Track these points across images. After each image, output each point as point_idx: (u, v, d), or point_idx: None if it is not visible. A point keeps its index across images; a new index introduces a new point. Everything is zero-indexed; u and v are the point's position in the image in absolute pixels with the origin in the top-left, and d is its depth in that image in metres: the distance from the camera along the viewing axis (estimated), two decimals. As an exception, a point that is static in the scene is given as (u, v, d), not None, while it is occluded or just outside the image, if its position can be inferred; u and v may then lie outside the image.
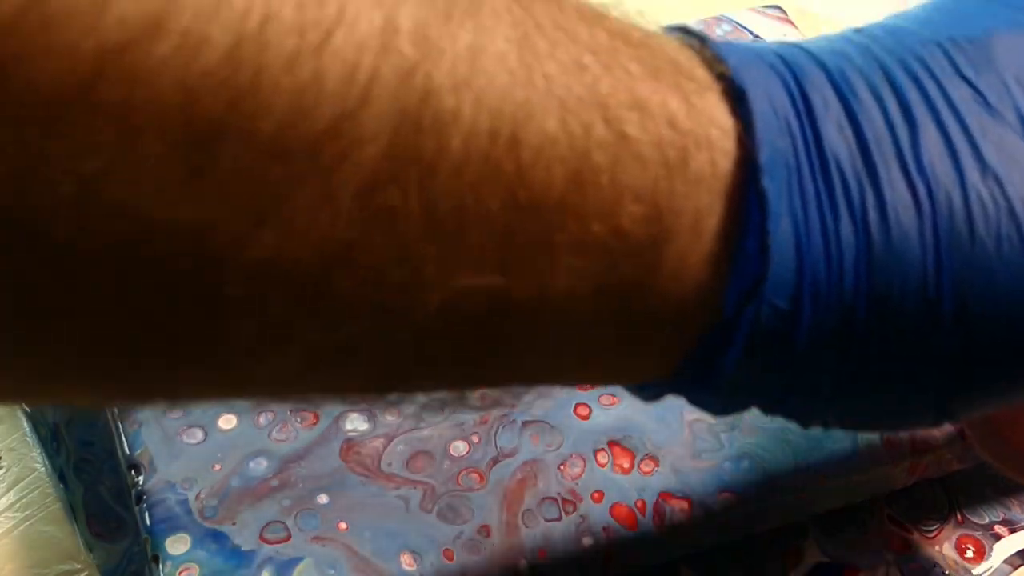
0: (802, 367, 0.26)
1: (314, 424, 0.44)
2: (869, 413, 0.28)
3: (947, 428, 0.45)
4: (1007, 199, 0.25)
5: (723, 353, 0.25)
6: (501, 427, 0.44)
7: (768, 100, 0.25)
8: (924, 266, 0.25)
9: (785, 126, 0.25)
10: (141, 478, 0.42)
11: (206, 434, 0.43)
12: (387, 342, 0.23)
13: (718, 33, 0.58)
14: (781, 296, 0.24)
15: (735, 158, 0.24)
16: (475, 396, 0.44)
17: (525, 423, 0.44)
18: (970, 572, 0.46)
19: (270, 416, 0.44)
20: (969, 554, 0.46)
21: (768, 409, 0.28)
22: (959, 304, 0.25)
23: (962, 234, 0.25)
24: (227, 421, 0.44)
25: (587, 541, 0.41)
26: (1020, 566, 0.46)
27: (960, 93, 0.26)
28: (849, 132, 0.25)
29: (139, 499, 0.42)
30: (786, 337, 0.25)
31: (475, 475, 0.43)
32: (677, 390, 0.28)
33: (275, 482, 0.42)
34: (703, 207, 0.24)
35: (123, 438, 0.43)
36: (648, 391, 0.30)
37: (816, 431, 0.44)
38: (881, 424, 0.29)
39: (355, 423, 0.44)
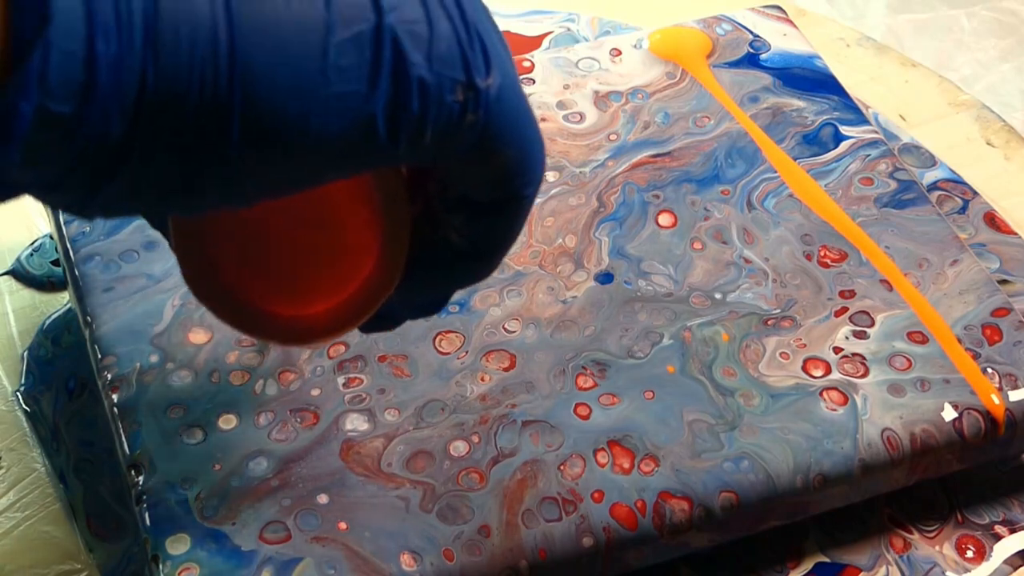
0: (92, 138, 0.25)
1: (314, 424, 0.44)
2: (155, 195, 0.27)
3: (947, 429, 0.45)
4: None
5: (18, 107, 0.24)
6: (501, 427, 0.44)
7: None
8: (213, 19, 0.26)
9: None
10: (141, 478, 0.42)
11: (206, 434, 0.43)
12: None
13: (718, 33, 0.58)
14: (73, 39, 0.24)
15: None
16: (474, 397, 0.44)
17: (525, 423, 0.44)
18: (970, 572, 0.46)
19: (270, 416, 0.44)
20: (969, 554, 0.46)
21: (47, 191, 0.27)
22: (246, 56, 0.26)
23: None
24: (227, 421, 0.44)
25: (587, 541, 0.41)
26: (1020, 566, 0.46)
27: None
28: None
29: (139, 499, 0.42)
30: (86, 86, 0.25)
31: (475, 475, 0.43)
32: None
33: (275, 482, 0.42)
34: None
35: (123, 438, 0.43)
36: None
37: (816, 432, 0.44)
38: (170, 207, 0.29)
39: (355, 423, 0.44)
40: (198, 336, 0.46)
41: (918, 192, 0.52)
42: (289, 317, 0.34)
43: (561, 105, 0.54)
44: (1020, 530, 0.47)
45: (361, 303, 0.34)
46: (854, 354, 0.46)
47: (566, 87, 0.55)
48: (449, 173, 0.31)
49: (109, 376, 0.45)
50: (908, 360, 0.46)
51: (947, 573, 0.45)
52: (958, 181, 0.59)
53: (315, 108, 0.27)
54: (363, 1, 0.27)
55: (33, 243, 0.55)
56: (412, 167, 0.34)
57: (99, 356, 0.45)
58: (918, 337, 0.47)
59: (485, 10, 0.29)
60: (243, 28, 0.26)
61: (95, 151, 0.26)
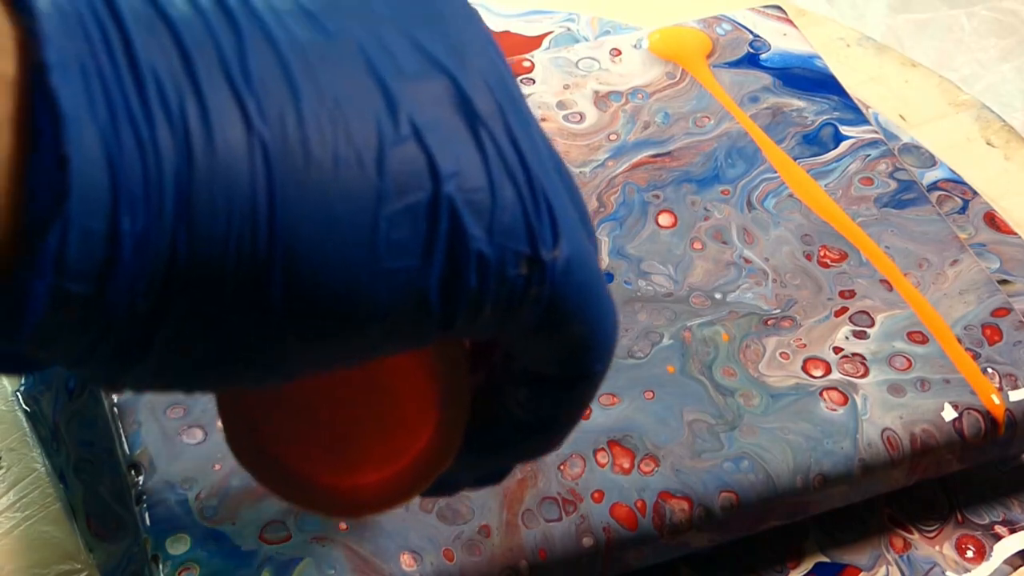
0: (116, 316, 0.23)
1: (314, 424, 0.44)
2: (189, 371, 0.25)
3: (947, 429, 0.45)
4: (346, 121, 0.24)
5: (31, 288, 0.22)
6: (501, 427, 0.44)
7: (54, 5, 0.22)
8: (253, 187, 0.23)
9: (79, 26, 0.22)
10: (141, 478, 0.42)
11: (206, 434, 0.43)
12: None
13: (718, 33, 0.58)
14: (94, 215, 0.22)
15: (18, 62, 0.22)
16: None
17: (525, 423, 0.44)
18: (970, 572, 0.46)
19: (270, 416, 0.44)
20: (969, 554, 0.46)
21: (74, 366, 0.25)
22: (289, 226, 0.23)
23: (296, 154, 0.23)
24: (227, 421, 0.44)
25: (587, 541, 0.41)
26: (1021, 566, 0.46)
27: (293, 14, 0.24)
28: (167, 38, 0.23)
29: (139, 499, 0.42)
30: (108, 263, 0.22)
31: (475, 475, 0.43)
32: None
33: (275, 482, 0.42)
34: None
35: (123, 438, 0.43)
36: None
37: (816, 432, 0.44)
38: (207, 384, 0.26)
39: (355, 423, 0.44)
40: (198, 336, 0.46)
41: (918, 192, 0.52)
42: (338, 488, 0.32)
43: (561, 105, 0.54)
44: (1020, 530, 0.47)
45: (415, 476, 0.31)
46: (854, 354, 0.46)
47: (566, 87, 0.55)
48: (513, 346, 0.28)
49: (109, 376, 0.45)
50: (908, 360, 0.46)
51: (947, 573, 0.45)
52: (958, 181, 0.59)
53: (363, 283, 0.24)
54: (420, 167, 0.24)
55: (33, 243, 0.55)
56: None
57: (99, 356, 0.45)
58: (918, 337, 0.47)
59: (557, 166, 0.27)
60: (286, 196, 0.23)
61: (118, 330, 0.23)
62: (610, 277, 0.48)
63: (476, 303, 0.25)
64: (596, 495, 0.42)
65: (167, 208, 0.23)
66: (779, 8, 0.59)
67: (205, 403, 0.44)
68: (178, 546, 0.41)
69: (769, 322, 0.47)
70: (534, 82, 0.55)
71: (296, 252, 0.24)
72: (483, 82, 0.26)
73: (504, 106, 0.26)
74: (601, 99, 0.55)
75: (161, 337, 0.24)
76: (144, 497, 0.42)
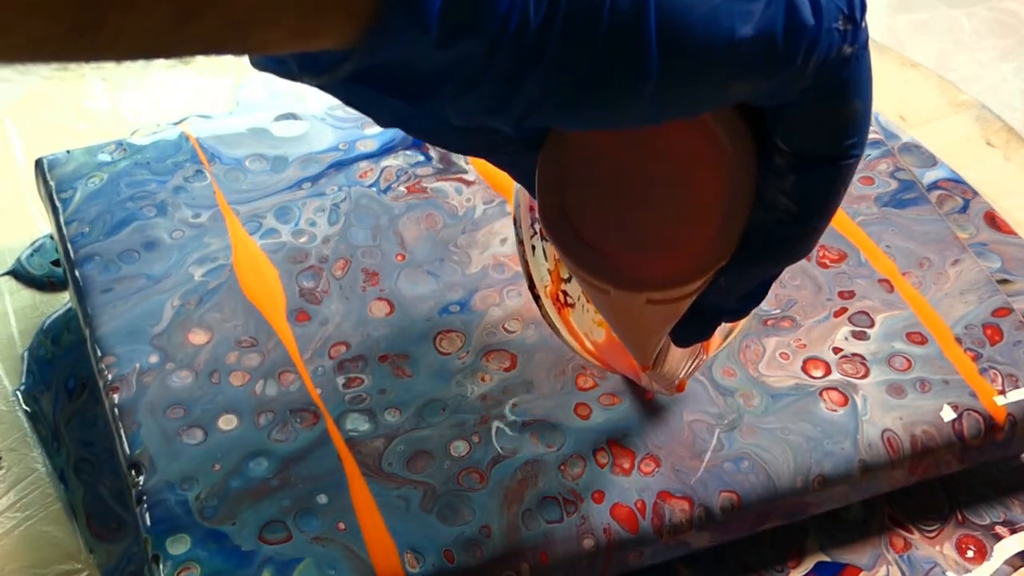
0: (508, 24, 0.27)
1: (314, 424, 0.44)
2: (568, 95, 0.29)
3: (947, 430, 0.45)
4: None
5: None
6: (501, 427, 0.44)
7: None
8: None
9: None
10: (141, 478, 0.42)
11: (206, 434, 0.43)
12: None
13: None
14: None
15: None
16: (475, 397, 0.44)
17: (525, 423, 0.44)
18: (971, 572, 0.46)
19: (270, 416, 0.44)
20: (970, 554, 0.46)
21: (466, 89, 0.29)
22: None
23: None
24: (227, 421, 0.44)
25: (587, 542, 0.41)
26: (1021, 567, 0.46)
27: None
28: None
29: (139, 499, 0.42)
30: None
31: (476, 475, 0.43)
32: (384, 35, 0.28)
33: (275, 482, 0.42)
34: None
35: (123, 438, 0.43)
36: (335, 58, 0.29)
37: (816, 432, 0.44)
38: (579, 109, 0.29)
39: (356, 423, 0.44)
40: (198, 336, 0.46)
41: (918, 192, 0.52)
42: (625, 262, 0.35)
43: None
44: (1021, 531, 0.47)
45: (697, 264, 0.35)
46: (854, 354, 0.46)
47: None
48: (795, 120, 0.32)
49: (109, 376, 0.45)
50: (908, 360, 0.46)
51: (947, 573, 0.45)
52: (958, 181, 0.59)
53: (722, 9, 0.28)
54: None
55: (33, 243, 0.55)
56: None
57: (99, 356, 0.45)
58: (917, 338, 0.47)
59: None
60: None
61: (512, 39, 0.27)
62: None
63: (811, 44, 0.29)
64: (596, 495, 0.42)
65: None
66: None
67: (205, 403, 0.44)
68: (178, 546, 0.41)
69: (769, 322, 0.47)
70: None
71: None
72: None
73: None
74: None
75: (548, 54, 0.27)
76: (144, 497, 0.42)
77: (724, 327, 0.41)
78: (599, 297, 0.36)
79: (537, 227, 0.41)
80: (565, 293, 0.42)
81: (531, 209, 0.41)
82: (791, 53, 0.29)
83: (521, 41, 0.27)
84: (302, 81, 0.30)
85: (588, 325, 0.42)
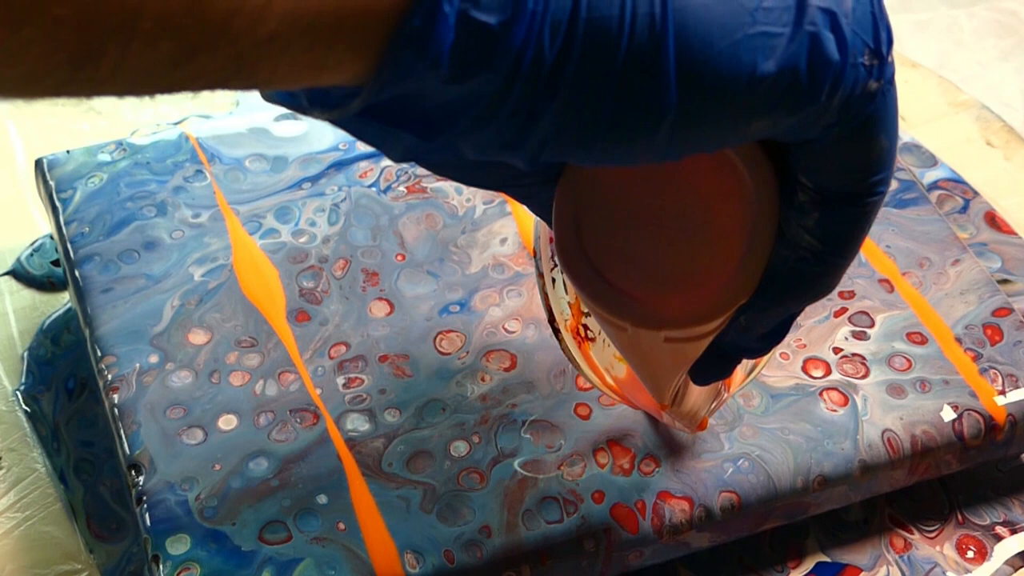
0: (523, 59, 0.26)
1: (314, 424, 0.44)
2: (584, 130, 0.28)
3: (947, 430, 0.45)
4: None
5: (440, 8, 0.25)
6: (501, 427, 0.44)
7: None
8: None
9: None
10: (141, 478, 0.42)
11: (206, 434, 0.43)
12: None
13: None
14: None
15: None
16: (475, 397, 0.44)
17: (525, 423, 0.44)
18: (971, 572, 0.46)
19: (270, 416, 0.44)
20: (970, 554, 0.46)
21: (480, 124, 0.28)
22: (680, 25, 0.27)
23: None
24: (227, 421, 0.44)
25: (587, 542, 0.41)
26: (1022, 567, 0.46)
27: None
28: None
29: (139, 499, 0.42)
30: (511, 2, 0.26)
31: (476, 475, 0.43)
32: (394, 71, 0.27)
33: (275, 482, 0.42)
34: None
35: (123, 438, 0.43)
36: (345, 93, 0.29)
37: (816, 432, 0.44)
38: (595, 145, 0.29)
39: (355, 423, 0.44)
40: (198, 337, 0.46)
41: (918, 192, 0.52)
42: (644, 300, 0.34)
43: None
44: (1021, 531, 0.47)
45: (716, 302, 0.34)
46: (854, 354, 0.46)
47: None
48: (819, 157, 0.31)
49: (109, 376, 0.45)
50: (908, 360, 0.46)
51: (948, 573, 0.45)
52: (959, 181, 0.59)
53: (743, 44, 0.27)
54: None
55: (33, 243, 0.55)
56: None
57: (99, 356, 0.45)
58: (917, 338, 0.47)
59: None
60: None
61: (526, 74, 0.26)
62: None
63: (836, 80, 0.28)
64: (596, 495, 0.42)
65: None
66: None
67: (205, 403, 0.44)
68: (178, 546, 0.41)
69: (769, 322, 0.47)
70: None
71: (685, 12, 0.27)
72: None
73: None
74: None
75: (563, 88, 0.27)
76: (144, 497, 0.42)
77: (747, 362, 0.41)
78: (616, 334, 0.36)
79: (557, 260, 0.41)
80: (585, 327, 0.41)
81: (551, 241, 0.41)
82: (815, 89, 0.28)
83: (536, 76, 0.27)
84: (312, 115, 0.29)
85: (609, 360, 0.42)
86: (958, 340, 0.47)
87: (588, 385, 0.45)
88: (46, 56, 0.23)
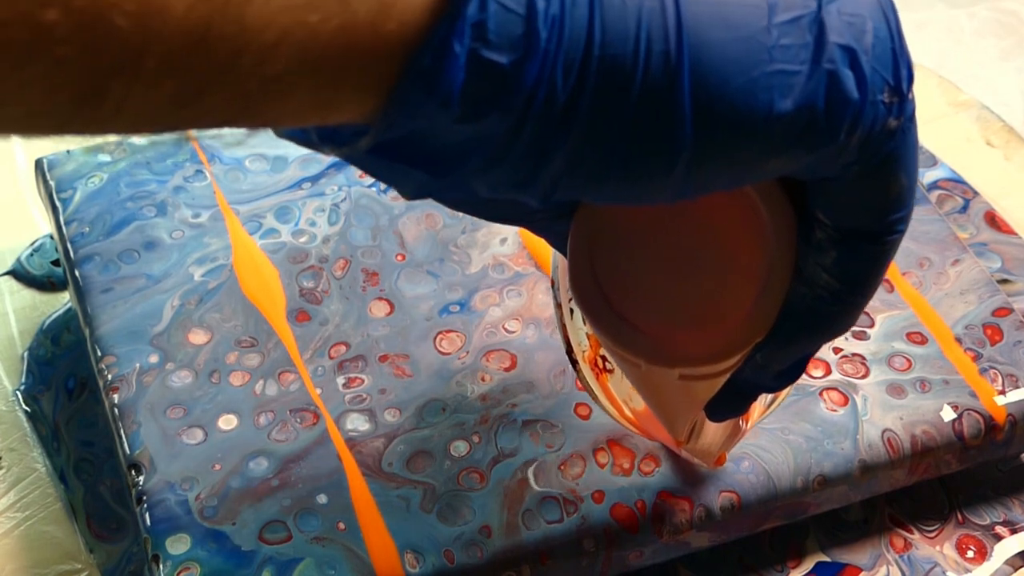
0: (535, 98, 0.26)
1: (314, 424, 0.44)
2: (597, 169, 0.27)
3: (947, 430, 0.45)
4: None
5: (450, 48, 0.25)
6: (501, 427, 0.44)
7: None
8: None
9: None
10: (141, 478, 0.42)
11: (206, 434, 0.43)
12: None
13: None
14: None
15: None
16: (475, 397, 0.44)
17: (525, 423, 0.44)
18: (971, 572, 0.46)
19: (270, 416, 0.44)
20: (970, 554, 0.46)
21: (492, 164, 0.28)
22: (694, 23, 0.26)
23: None
24: (227, 421, 0.44)
25: (587, 542, 0.41)
26: (1022, 567, 0.46)
27: None
28: None
29: (139, 499, 0.42)
30: (526, 38, 0.25)
31: (476, 475, 0.43)
32: (403, 110, 0.26)
33: (275, 482, 0.42)
34: None
35: (123, 438, 0.43)
36: (355, 131, 0.28)
37: (816, 432, 0.44)
38: (608, 184, 0.28)
39: (356, 423, 0.44)
40: (198, 336, 0.46)
41: (918, 192, 0.52)
42: (658, 337, 0.34)
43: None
44: (1021, 531, 0.47)
45: (733, 340, 0.33)
46: (854, 354, 0.46)
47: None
48: (837, 194, 0.30)
49: (109, 376, 0.45)
50: (908, 360, 0.46)
51: (948, 573, 0.45)
52: (959, 181, 0.59)
53: (760, 82, 0.27)
54: None
55: (33, 243, 0.55)
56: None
57: (99, 356, 0.45)
58: (917, 338, 0.47)
59: None
60: None
61: (539, 113, 0.26)
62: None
63: (855, 118, 0.28)
64: (596, 495, 0.42)
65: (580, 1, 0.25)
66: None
67: (205, 403, 0.44)
68: (178, 546, 0.41)
69: (769, 322, 0.47)
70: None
71: (700, 47, 0.26)
72: None
73: None
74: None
75: (576, 127, 0.26)
76: (144, 497, 0.42)
77: (764, 396, 0.40)
78: (630, 370, 0.35)
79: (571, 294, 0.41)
80: (604, 358, 0.41)
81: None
82: (833, 128, 0.28)
83: (548, 114, 0.26)
84: (323, 151, 0.29)
85: (627, 392, 0.41)
86: (958, 340, 0.47)
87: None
88: (48, 95, 0.23)
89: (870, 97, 0.28)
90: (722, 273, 0.33)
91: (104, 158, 0.51)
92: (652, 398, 0.37)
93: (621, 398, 0.41)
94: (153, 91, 0.23)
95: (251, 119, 0.26)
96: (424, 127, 0.27)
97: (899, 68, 0.28)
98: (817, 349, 0.35)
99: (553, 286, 0.41)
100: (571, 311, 0.40)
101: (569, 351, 0.41)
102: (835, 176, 0.29)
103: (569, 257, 0.34)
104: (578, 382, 0.42)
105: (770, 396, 0.41)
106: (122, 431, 0.43)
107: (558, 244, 0.36)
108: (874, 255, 0.31)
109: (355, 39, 0.25)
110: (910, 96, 0.29)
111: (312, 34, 0.24)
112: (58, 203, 0.50)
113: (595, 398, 0.42)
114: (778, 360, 0.34)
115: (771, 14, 0.27)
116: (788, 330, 0.33)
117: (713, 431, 0.40)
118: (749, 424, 0.41)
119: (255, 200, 0.50)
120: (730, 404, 0.36)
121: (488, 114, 0.26)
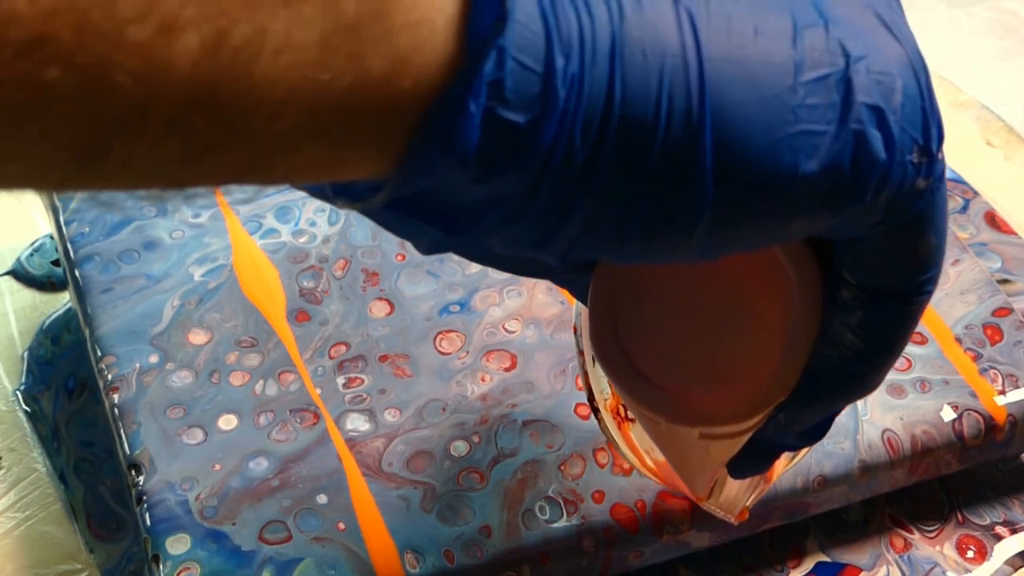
0: (553, 157, 0.25)
1: (314, 424, 0.44)
2: (616, 229, 0.27)
3: (947, 430, 0.45)
4: (763, 6, 0.26)
5: (466, 106, 0.24)
6: (501, 427, 0.44)
7: None
8: (683, 46, 0.25)
9: None
10: (141, 478, 0.42)
11: (206, 434, 0.43)
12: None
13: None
14: (528, 52, 0.24)
15: None
16: (475, 397, 0.44)
17: (525, 423, 0.44)
18: (971, 572, 0.46)
19: (270, 416, 0.44)
20: (970, 554, 0.46)
21: (508, 222, 0.27)
22: (717, 83, 0.25)
23: (719, 23, 0.25)
24: (227, 421, 0.44)
25: (587, 542, 0.41)
26: (1022, 567, 0.46)
27: None
28: None
29: (139, 499, 0.42)
30: (543, 97, 0.24)
31: (476, 475, 0.43)
32: (417, 169, 0.26)
33: (275, 482, 0.42)
34: None
35: (123, 438, 0.43)
36: (369, 187, 0.27)
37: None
38: (628, 244, 0.27)
39: (356, 423, 0.44)
40: (198, 336, 0.46)
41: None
42: (680, 396, 0.33)
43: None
44: (1021, 531, 0.47)
45: (754, 400, 0.33)
46: (854, 354, 0.46)
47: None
48: (864, 254, 0.30)
49: (109, 376, 0.45)
50: (908, 360, 0.46)
51: (948, 573, 0.45)
52: (959, 180, 0.59)
53: (784, 143, 0.26)
54: (832, 47, 0.26)
55: (33, 243, 0.55)
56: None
57: (99, 356, 0.45)
58: (917, 337, 0.47)
59: None
60: (712, 56, 0.25)
61: (556, 172, 0.25)
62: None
63: (882, 179, 0.27)
64: (596, 495, 0.42)
65: (600, 55, 0.24)
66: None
67: (205, 403, 0.44)
68: (178, 546, 0.41)
69: (769, 322, 0.47)
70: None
71: (723, 107, 0.25)
72: None
73: (902, 13, 0.28)
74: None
75: (595, 188, 0.25)
76: (144, 497, 0.42)
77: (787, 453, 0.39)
78: (651, 427, 0.35)
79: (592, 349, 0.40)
80: (626, 407, 0.40)
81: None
82: (859, 189, 0.27)
83: (566, 174, 0.25)
84: (337, 206, 0.28)
85: (649, 442, 0.40)
86: (958, 340, 0.47)
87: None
88: (49, 153, 0.22)
89: (898, 157, 0.27)
90: (745, 332, 0.33)
91: (104, 158, 0.51)
92: (672, 455, 0.37)
93: (643, 448, 0.41)
94: (158, 150, 0.23)
95: (261, 176, 0.25)
96: (439, 184, 0.26)
97: (929, 128, 0.27)
98: (841, 409, 0.34)
99: (576, 332, 0.40)
100: (593, 359, 0.40)
101: (591, 399, 0.41)
102: (862, 236, 0.29)
103: (590, 312, 0.34)
104: (602, 429, 0.42)
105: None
106: (122, 431, 0.43)
107: (580, 296, 0.35)
108: (901, 316, 0.31)
109: (368, 96, 0.24)
110: (939, 156, 0.28)
111: (323, 92, 0.23)
112: (58, 203, 0.50)
113: (616, 447, 0.41)
114: (801, 420, 0.34)
115: (797, 72, 0.26)
116: (811, 390, 0.33)
117: (736, 486, 0.39)
118: (772, 479, 0.41)
119: (255, 200, 0.50)
120: (752, 463, 0.36)
121: (504, 173, 0.25)
